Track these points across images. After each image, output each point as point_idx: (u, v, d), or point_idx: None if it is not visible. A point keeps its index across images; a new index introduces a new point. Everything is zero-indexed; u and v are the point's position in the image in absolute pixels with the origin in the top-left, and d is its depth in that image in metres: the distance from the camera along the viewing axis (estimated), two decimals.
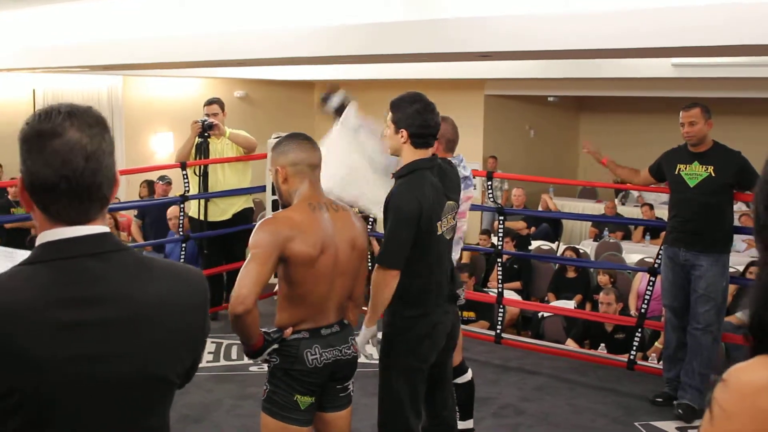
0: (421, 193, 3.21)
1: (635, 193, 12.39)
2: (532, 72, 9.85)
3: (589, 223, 11.38)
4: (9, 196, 9.94)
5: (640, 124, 14.51)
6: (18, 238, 9.36)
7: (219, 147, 6.56)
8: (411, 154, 3.28)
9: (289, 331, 2.89)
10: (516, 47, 5.39)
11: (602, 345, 6.40)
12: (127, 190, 11.84)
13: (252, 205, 6.96)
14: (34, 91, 11.24)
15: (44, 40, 8.03)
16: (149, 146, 12.64)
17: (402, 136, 3.28)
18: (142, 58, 7.59)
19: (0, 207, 10.02)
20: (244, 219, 6.60)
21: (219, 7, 6.50)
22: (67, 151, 1.43)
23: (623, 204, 12.38)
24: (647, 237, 10.43)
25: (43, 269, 1.44)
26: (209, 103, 6.60)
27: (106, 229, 1.51)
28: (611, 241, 10.19)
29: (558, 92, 13.64)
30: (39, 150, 1.44)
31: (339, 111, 3.97)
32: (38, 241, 1.48)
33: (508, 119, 13.78)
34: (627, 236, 10.80)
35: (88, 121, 1.48)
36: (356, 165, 3.86)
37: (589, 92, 13.23)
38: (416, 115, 3.27)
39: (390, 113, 3.35)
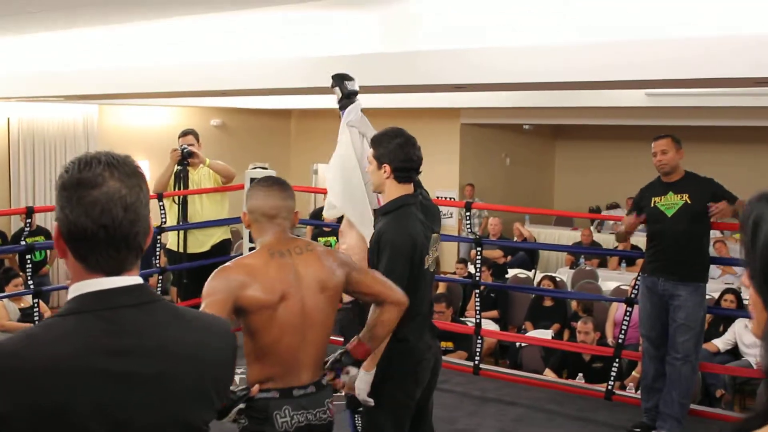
0: (413, 227, 3.23)
1: (610, 221, 12.48)
2: (508, 101, 9.95)
3: None
4: None
5: (614, 150, 14.66)
6: None
7: (196, 177, 6.54)
8: (395, 190, 3.29)
9: (255, 388, 2.67)
10: (490, 80, 5.47)
11: (580, 374, 6.42)
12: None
13: (230, 236, 6.92)
14: (8, 119, 11.16)
15: (19, 69, 8.01)
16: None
17: (385, 172, 3.28)
18: (118, 88, 7.60)
19: None
20: (223, 250, 6.57)
21: (196, 38, 6.51)
22: (107, 201, 1.45)
23: (599, 231, 12.47)
24: (623, 264, 10.50)
25: (87, 319, 1.45)
26: (184, 134, 6.58)
27: (140, 279, 1.52)
28: (587, 268, 10.24)
29: (533, 121, 13.75)
30: (78, 199, 1.45)
31: (349, 96, 3.89)
32: (74, 291, 1.48)
33: (484, 147, 13.86)
34: (603, 263, 10.87)
35: (127, 171, 1.49)
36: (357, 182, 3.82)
37: (564, 121, 13.36)
38: (398, 149, 3.27)
39: (371, 149, 3.35)
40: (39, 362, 1.37)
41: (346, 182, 3.83)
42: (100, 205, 1.44)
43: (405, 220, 3.24)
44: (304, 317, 2.70)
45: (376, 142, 3.35)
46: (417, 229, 3.25)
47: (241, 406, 2.64)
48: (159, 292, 6.48)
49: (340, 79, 3.89)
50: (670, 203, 4.92)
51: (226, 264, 2.72)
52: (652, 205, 5.00)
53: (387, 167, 3.27)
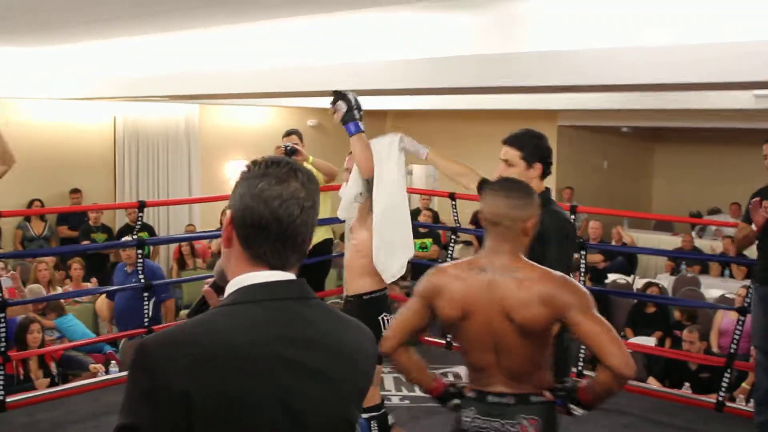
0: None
1: (712, 226, 12.13)
2: (607, 103, 9.77)
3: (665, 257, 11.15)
4: (90, 222, 10.16)
5: (716, 154, 14.24)
6: (97, 264, 9.54)
7: None
8: (537, 186, 3.27)
9: (468, 387, 2.72)
10: (590, 81, 5.35)
11: (687, 384, 6.25)
12: (202, 218, 12.01)
13: (332, 236, 6.93)
14: (115, 118, 11.50)
15: (125, 71, 8.23)
16: (224, 173, 12.81)
17: (536, 170, 3.38)
18: (219, 89, 7.73)
19: (81, 232, 10.24)
20: (325, 249, 6.58)
21: (295, 39, 6.57)
22: (288, 197, 1.52)
23: (700, 237, 12.12)
24: (726, 271, 10.18)
25: (257, 309, 1.50)
26: (288, 134, 6.63)
27: (301, 279, 1.57)
28: (689, 275, 9.97)
29: (632, 123, 13.47)
30: (261, 190, 1.52)
31: (359, 107, 4.13)
32: (238, 283, 1.53)
33: (581, 150, 13.64)
34: (705, 270, 10.55)
35: (309, 178, 1.57)
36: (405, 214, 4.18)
37: (664, 123, 13.04)
38: (547, 148, 3.44)
39: (513, 150, 3.42)
40: (219, 350, 1.42)
41: (395, 208, 4.06)
42: (280, 199, 1.51)
43: (559, 209, 3.37)
44: (493, 336, 2.58)
45: (520, 142, 3.42)
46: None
47: (457, 401, 2.74)
48: None
49: (341, 95, 4.01)
50: None
51: (441, 265, 2.78)
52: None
53: (539, 165, 3.38)
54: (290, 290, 1.54)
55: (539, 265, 2.57)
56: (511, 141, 3.44)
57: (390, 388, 5.61)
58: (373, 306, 3.98)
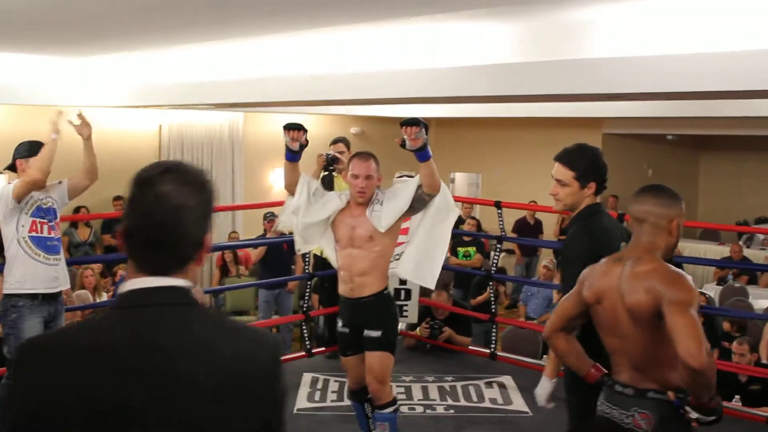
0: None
1: (760, 236, 11.94)
2: (652, 110, 9.67)
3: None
4: None
5: (763, 163, 14.03)
6: None
7: (344, 184, 6.59)
8: (589, 201, 3.33)
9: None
10: (640, 89, 5.29)
11: (737, 397, 6.13)
12: (245, 225, 12.08)
13: None
14: (160, 126, 11.63)
15: (170, 79, 8.32)
16: (268, 181, 12.88)
17: (590, 189, 3.30)
18: (262, 96, 7.77)
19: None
20: None
21: (339, 48, 6.59)
22: (151, 202, 1.53)
23: (748, 246, 11.92)
24: None
25: (124, 314, 1.53)
26: (335, 141, 6.67)
27: (183, 283, 1.56)
28: (737, 285, 9.80)
29: (677, 131, 13.32)
30: (132, 197, 1.56)
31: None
32: (122, 289, 1.56)
33: (626, 158, 13.51)
34: (753, 280, 10.37)
35: (184, 178, 1.57)
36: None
37: (709, 131, 12.88)
38: (603, 166, 3.35)
39: (566, 169, 3.32)
40: (81, 350, 1.47)
41: (435, 241, 4.42)
42: (146, 205, 1.53)
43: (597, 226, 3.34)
44: (616, 320, 2.80)
45: (578, 161, 3.32)
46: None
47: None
48: (307, 296, 6.61)
49: (422, 122, 4.02)
50: None
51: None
52: None
53: (594, 185, 3.30)
54: (162, 296, 1.52)
55: (660, 261, 2.74)
56: (564, 159, 3.32)
57: (435, 398, 5.58)
58: (390, 297, 4.46)
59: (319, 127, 12.96)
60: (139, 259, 1.55)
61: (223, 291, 9.78)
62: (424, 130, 3.98)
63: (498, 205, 6.52)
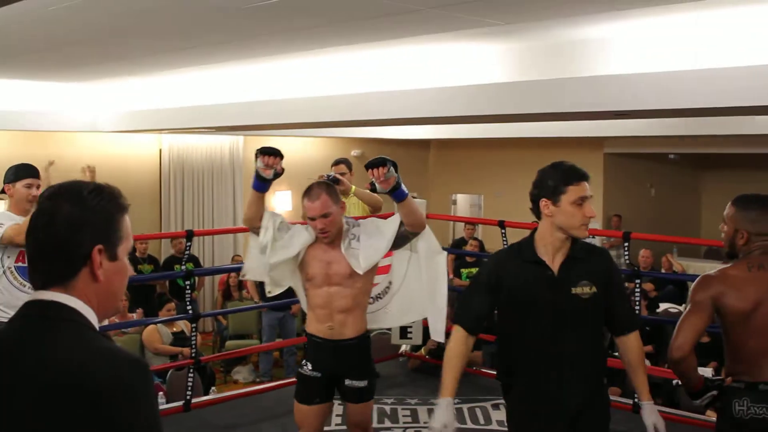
0: None
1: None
2: (653, 129, 9.64)
3: None
4: (137, 253, 10.22)
5: (766, 181, 13.98)
6: (143, 295, 9.58)
7: (346, 205, 6.56)
8: None
9: (729, 379, 3.07)
10: (642, 106, 5.27)
11: None
12: (247, 249, 12.02)
13: None
14: (160, 150, 11.62)
15: (170, 104, 8.33)
16: (269, 204, 12.85)
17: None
18: (262, 119, 7.77)
19: None
20: None
21: (337, 70, 6.59)
22: (33, 218, 1.61)
23: None
24: None
25: (2, 327, 1.62)
26: (336, 163, 6.63)
27: (59, 297, 1.57)
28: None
29: (679, 150, 13.29)
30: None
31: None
32: None
33: (628, 177, 13.49)
34: None
35: (69, 194, 1.60)
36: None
37: (712, 149, 12.84)
38: None
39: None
40: None
41: (433, 290, 4.28)
42: (31, 220, 1.61)
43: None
44: None
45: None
46: None
47: (714, 392, 3.09)
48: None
49: (391, 161, 3.69)
50: None
51: (710, 273, 3.18)
52: None
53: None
54: (33, 309, 1.57)
55: None
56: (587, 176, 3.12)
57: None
58: (371, 341, 4.04)
59: (320, 150, 12.97)
60: (29, 274, 1.62)
61: (221, 314, 9.71)
62: (393, 168, 3.64)
63: (502, 224, 6.47)
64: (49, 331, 1.54)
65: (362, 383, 3.89)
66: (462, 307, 3.28)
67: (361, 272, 3.76)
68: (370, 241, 3.81)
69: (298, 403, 3.92)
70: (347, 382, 3.88)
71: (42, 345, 1.52)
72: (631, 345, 3.19)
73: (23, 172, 4.64)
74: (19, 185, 4.61)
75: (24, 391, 1.48)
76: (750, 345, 3.01)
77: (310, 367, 3.90)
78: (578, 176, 3.04)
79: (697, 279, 3.16)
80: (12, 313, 4.19)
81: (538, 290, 3.07)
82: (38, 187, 4.64)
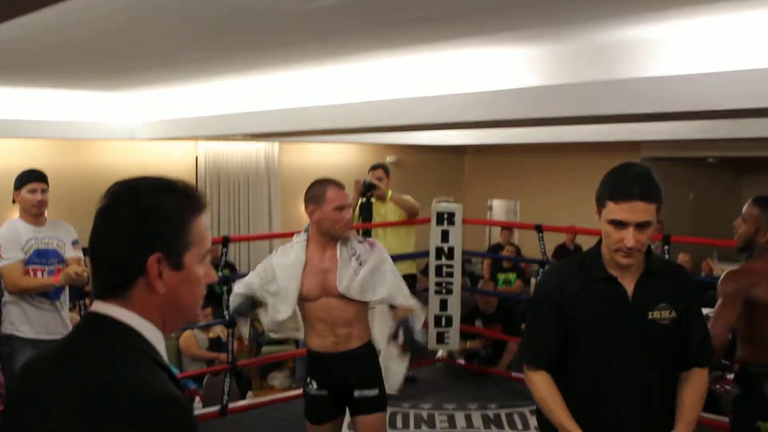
0: None
1: None
2: (691, 132, 9.53)
3: None
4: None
5: None
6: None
7: (383, 211, 6.57)
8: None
9: (737, 367, 3.47)
10: (688, 107, 5.19)
11: None
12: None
13: (415, 271, 6.87)
14: (196, 157, 11.70)
15: (206, 111, 8.38)
16: (304, 210, 12.88)
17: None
18: (298, 126, 7.79)
19: None
20: (408, 284, 6.53)
21: (370, 76, 6.58)
22: (95, 217, 1.50)
23: None
24: None
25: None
26: (374, 168, 6.65)
27: (114, 312, 1.44)
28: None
29: (717, 153, 13.12)
30: None
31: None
32: None
33: (666, 182, 13.12)
34: None
35: (129, 192, 1.48)
36: None
37: (751, 153, 12.66)
38: None
39: (649, 205, 2.96)
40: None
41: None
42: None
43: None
44: None
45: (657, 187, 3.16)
46: None
47: (720, 373, 3.54)
48: None
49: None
50: None
51: (734, 268, 3.51)
52: None
53: None
54: (86, 322, 1.48)
55: None
56: (646, 192, 2.52)
57: (479, 426, 5.48)
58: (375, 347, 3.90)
59: (355, 157, 12.98)
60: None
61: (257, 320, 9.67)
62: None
63: (539, 228, 6.44)
64: (92, 354, 1.39)
65: (373, 392, 3.73)
66: (529, 343, 2.81)
67: (350, 296, 3.62)
68: (369, 276, 3.67)
69: (309, 423, 3.81)
70: (357, 393, 3.72)
71: (78, 368, 1.38)
72: (696, 382, 2.68)
73: (27, 176, 4.62)
74: (24, 191, 4.57)
75: (51, 410, 1.36)
76: None
77: (315, 387, 3.75)
78: (625, 193, 2.48)
79: (723, 275, 3.42)
80: (27, 327, 4.17)
81: (609, 314, 2.60)
82: (44, 191, 4.58)
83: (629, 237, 2.49)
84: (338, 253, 3.65)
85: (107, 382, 1.34)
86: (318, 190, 3.68)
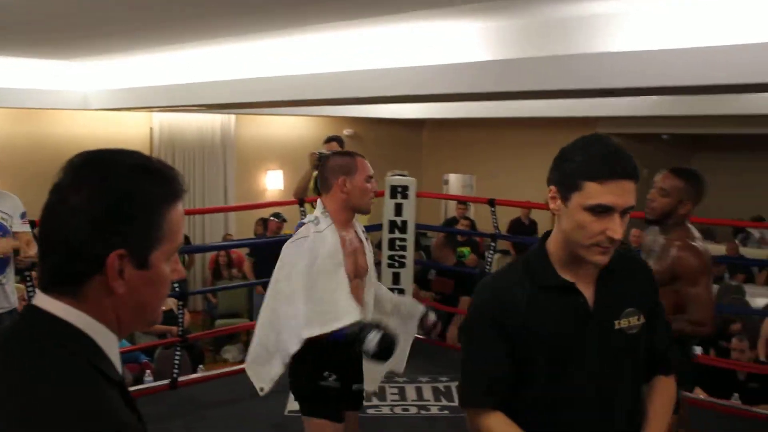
0: None
1: (756, 234, 11.88)
2: (645, 109, 9.62)
3: None
4: None
5: (759, 162, 13.97)
6: None
7: None
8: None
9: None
10: (643, 83, 5.22)
11: (735, 395, 6.06)
12: (239, 227, 12.00)
13: None
14: (151, 129, 11.55)
15: (161, 81, 8.25)
16: (260, 183, 12.81)
17: None
18: (255, 97, 7.70)
19: None
20: None
21: (329, 48, 6.53)
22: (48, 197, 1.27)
23: (744, 245, 11.86)
24: None
25: None
26: (328, 140, 6.61)
27: (59, 310, 1.18)
28: (734, 284, 9.73)
29: (672, 130, 13.26)
30: None
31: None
32: None
33: None
34: (750, 279, 10.30)
35: (93, 169, 1.21)
36: None
37: (704, 130, 12.80)
38: None
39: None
40: None
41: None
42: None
43: None
44: None
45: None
46: None
47: None
48: None
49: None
50: None
51: (693, 243, 3.38)
52: None
53: None
54: (23, 318, 1.22)
55: None
56: (633, 171, 1.99)
57: (429, 398, 5.50)
58: None
59: (312, 129, 12.89)
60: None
61: (210, 292, 9.67)
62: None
63: (492, 202, 6.45)
64: (25, 361, 1.14)
65: (362, 386, 3.48)
66: (470, 379, 2.17)
67: (370, 270, 3.40)
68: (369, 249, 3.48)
69: (329, 422, 3.25)
70: (355, 386, 3.42)
71: (4, 381, 1.13)
72: (664, 390, 2.23)
73: None
74: None
75: None
76: None
77: (335, 378, 3.28)
78: (612, 170, 1.92)
79: (689, 251, 3.37)
80: None
81: (568, 331, 2.03)
82: None
83: (616, 227, 1.91)
84: (358, 231, 3.41)
85: (40, 404, 1.09)
86: (346, 160, 3.36)
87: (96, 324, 1.19)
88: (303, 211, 6.38)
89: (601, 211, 1.90)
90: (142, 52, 7.67)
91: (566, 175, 1.95)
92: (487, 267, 6.57)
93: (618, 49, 4.91)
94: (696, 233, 3.61)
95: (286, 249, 3.32)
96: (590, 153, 1.94)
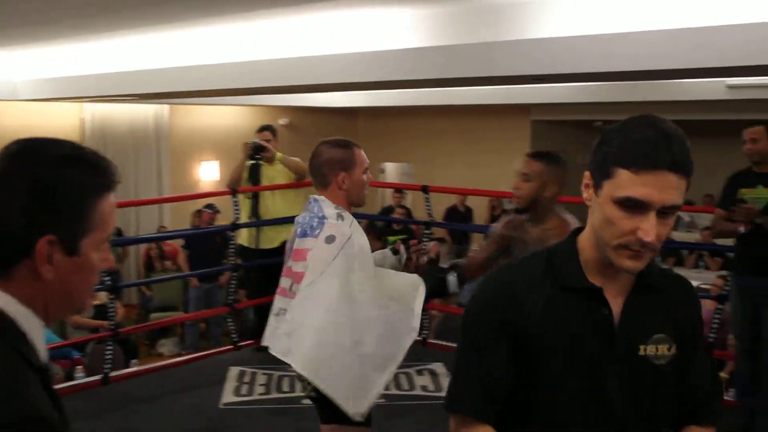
0: None
1: (686, 218, 12.12)
2: (578, 96, 9.74)
3: None
4: None
5: (693, 148, 14.24)
6: None
7: (271, 173, 6.48)
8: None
9: None
10: (570, 69, 5.26)
11: None
12: (174, 219, 11.85)
13: None
14: (82, 119, 11.32)
15: (92, 70, 8.10)
16: (195, 174, 12.67)
17: None
18: (187, 86, 7.61)
19: None
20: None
21: (263, 35, 6.47)
22: None
23: (675, 229, 12.10)
24: (701, 263, 10.16)
25: None
26: (261, 130, 6.56)
27: None
28: (664, 267, 9.92)
29: (605, 117, 13.45)
30: None
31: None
32: None
33: (555, 145, 13.55)
34: (679, 262, 10.53)
35: (23, 157, 1.23)
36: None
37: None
38: None
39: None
40: None
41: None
42: None
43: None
44: None
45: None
46: None
47: None
48: (234, 290, 6.44)
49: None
50: (760, 197, 4.65)
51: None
52: (738, 196, 4.71)
53: None
54: None
55: None
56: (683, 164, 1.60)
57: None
58: None
59: (248, 119, 12.79)
60: None
61: (143, 284, 9.53)
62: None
63: (425, 189, 6.45)
64: None
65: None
66: (464, 386, 1.78)
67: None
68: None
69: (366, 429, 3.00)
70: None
71: None
72: None
73: None
74: None
75: None
76: None
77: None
78: (651, 158, 1.55)
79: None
80: None
81: (585, 344, 1.68)
82: None
83: (649, 227, 1.55)
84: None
85: None
86: (343, 153, 3.11)
87: (21, 308, 1.21)
88: (236, 201, 6.31)
89: (631, 205, 1.55)
90: (73, 40, 7.50)
91: (601, 160, 1.62)
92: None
93: (548, 35, 4.95)
94: (571, 218, 3.40)
95: (340, 260, 2.93)
96: (631, 136, 1.59)
